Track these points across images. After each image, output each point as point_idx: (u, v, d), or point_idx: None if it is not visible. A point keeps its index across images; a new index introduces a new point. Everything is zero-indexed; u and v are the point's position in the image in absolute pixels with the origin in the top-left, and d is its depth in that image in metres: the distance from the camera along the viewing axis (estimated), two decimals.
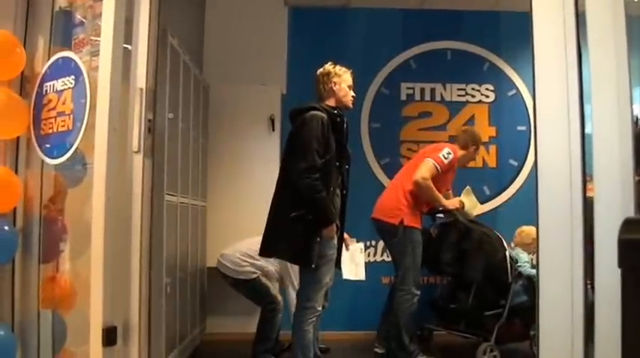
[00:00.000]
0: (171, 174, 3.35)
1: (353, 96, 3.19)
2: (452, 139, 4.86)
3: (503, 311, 3.84)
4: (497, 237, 3.99)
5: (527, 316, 3.95)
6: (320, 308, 3.06)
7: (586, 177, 2.14)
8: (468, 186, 4.24)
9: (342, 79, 3.14)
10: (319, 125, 2.94)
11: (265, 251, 3.09)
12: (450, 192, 4.23)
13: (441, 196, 3.97)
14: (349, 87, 3.17)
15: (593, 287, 2.04)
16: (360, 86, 4.66)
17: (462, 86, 4.99)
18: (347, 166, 3.16)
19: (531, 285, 3.95)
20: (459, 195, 4.20)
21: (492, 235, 4.00)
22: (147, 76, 2.34)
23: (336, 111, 3.06)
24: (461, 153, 4.13)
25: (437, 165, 3.92)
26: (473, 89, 5.00)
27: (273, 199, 3.06)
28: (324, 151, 2.94)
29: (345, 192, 3.16)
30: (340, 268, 3.28)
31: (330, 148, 2.97)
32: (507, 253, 3.91)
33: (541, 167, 2.14)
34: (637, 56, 2.18)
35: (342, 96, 3.14)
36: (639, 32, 2.15)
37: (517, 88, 5.03)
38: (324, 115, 2.98)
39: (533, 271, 3.92)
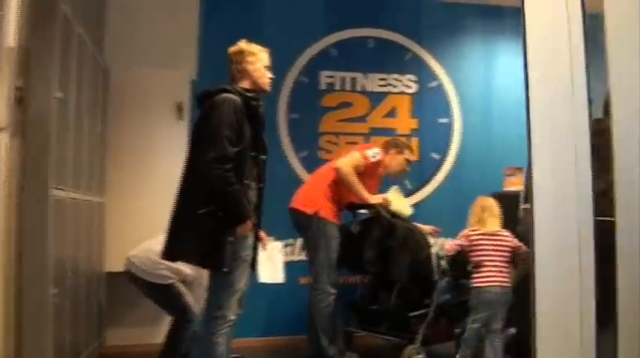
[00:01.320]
0: (60, 164, 2.89)
1: (270, 79, 2.86)
2: (373, 132, 4.68)
3: (428, 311, 3.64)
4: (422, 233, 3.80)
5: (452, 315, 3.79)
6: (233, 318, 2.71)
7: None
8: (395, 186, 4.02)
9: (257, 59, 2.80)
10: (231, 109, 2.58)
11: (168, 254, 2.69)
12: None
13: (363, 189, 3.73)
14: (266, 67, 2.83)
15: None
16: (277, 74, 4.33)
17: (384, 76, 4.77)
18: (263, 156, 2.83)
19: (455, 283, 3.79)
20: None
21: (417, 231, 3.79)
22: (18, 33, 1.90)
23: (250, 95, 2.72)
24: (386, 159, 3.95)
25: (361, 158, 3.70)
26: (395, 79, 4.79)
27: (178, 194, 2.67)
28: (237, 139, 2.59)
29: (261, 185, 2.82)
30: (256, 271, 2.95)
31: (244, 136, 2.62)
32: (433, 250, 3.71)
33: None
34: None
35: (257, 77, 2.79)
36: None
37: (439, 80, 4.88)
38: (237, 98, 2.63)
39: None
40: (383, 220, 3.76)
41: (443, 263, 3.74)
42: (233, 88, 2.69)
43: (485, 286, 3.47)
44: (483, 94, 4.95)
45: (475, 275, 3.50)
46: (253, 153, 2.70)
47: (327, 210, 3.68)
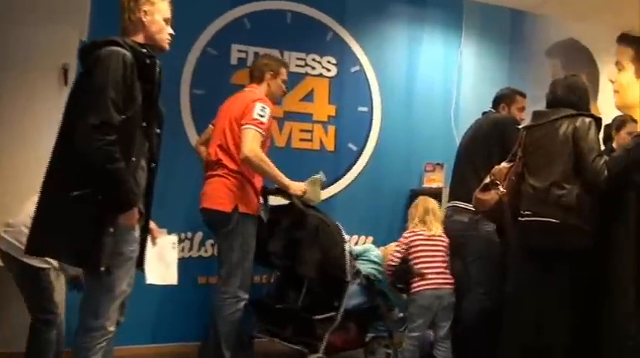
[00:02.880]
0: None
1: (171, 35, 2.33)
2: (288, 116, 4.24)
3: (336, 315, 3.24)
4: (336, 227, 3.38)
5: (363, 321, 3.45)
6: (113, 329, 2.17)
7: None
8: (318, 175, 3.58)
9: (155, 9, 2.26)
10: (120, 65, 2.04)
11: (31, 248, 2.12)
12: None
13: (279, 173, 3.23)
14: (166, 21, 2.30)
15: None
16: (183, 42, 3.78)
17: (302, 56, 4.32)
18: (158, 130, 2.30)
19: (372, 286, 3.43)
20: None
21: (332, 224, 3.37)
22: None
23: (145, 51, 2.18)
24: (264, 91, 3.39)
25: (260, 131, 3.13)
26: (314, 60, 4.36)
27: (47, 173, 2.12)
28: (126, 104, 2.05)
29: (153, 165, 2.29)
30: (143, 270, 2.41)
31: (135, 100, 2.09)
32: (347, 246, 3.33)
33: None
34: None
35: (154, 31, 2.26)
36: None
37: (361, 65, 4.50)
38: (128, 53, 2.09)
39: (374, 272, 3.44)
40: (295, 208, 3.31)
41: (373, 267, 3.42)
42: (124, 40, 2.14)
43: (422, 290, 3.30)
44: (406, 85, 4.63)
45: (412, 280, 3.33)
46: (145, 124, 2.16)
47: (245, 201, 3.18)
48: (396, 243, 3.49)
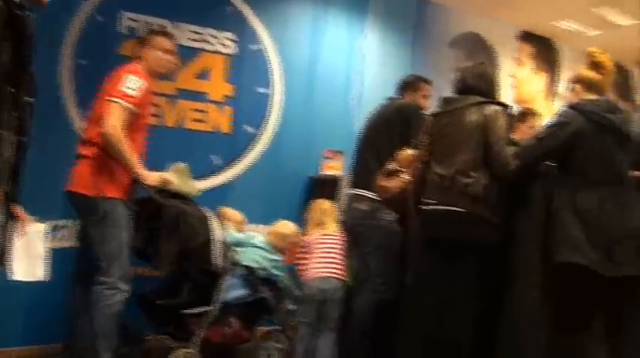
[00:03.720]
0: None
1: None
2: (181, 94, 3.91)
3: (211, 310, 3.03)
4: (200, 216, 3.10)
5: (246, 315, 3.23)
6: None
7: None
8: (181, 164, 3.22)
9: None
10: None
11: None
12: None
13: (136, 160, 2.87)
14: None
15: None
16: (66, 5, 3.40)
17: (198, 29, 3.99)
18: (29, 98, 1.94)
19: (255, 276, 3.21)
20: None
21: (194, 214, 3.08)
22: None
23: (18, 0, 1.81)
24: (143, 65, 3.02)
25: (127, 105, 2.78)
26: (211, 35, 4.05)
27: None
28: None
29: (23, 139, 1.92)
30: (6, 264, 2.05)
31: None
32: (216, 236, 3.08)
33: None
34: None
35: None
36: None
37: (261, 43, 4.25)
38: None
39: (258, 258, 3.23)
40: (153, 200, 2.99)
41: (259, 254, 3.20)
42: None
43: (309, 279, 3.23)
44: (309, 67, 4.45)
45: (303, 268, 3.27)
46: (13, 89, 1.81)
47: (111, 186, 2.85)
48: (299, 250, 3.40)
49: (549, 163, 2.67)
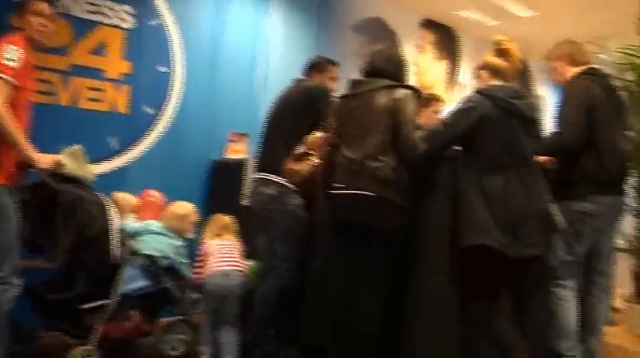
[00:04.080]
0: None
1: None
2: (75, 70, 3.63)
3: (108, 303, 2.86)
4: (98, 202, 2.91)
5: (149, 306, 3.13)
6: None
7: None
8: (75, 146, 2.96)
9: None
10: None
11: None
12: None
13: (24, 141, 2.61)
14: None
15: None
16: None
17: (95, 0, 3.73)
18: None
19: (156, 266, 3.06)
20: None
21: (91, 200, 2.87)
22: None
23: None
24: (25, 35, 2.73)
25: (6, 78, 2.52)
26: (108, 8, 3.78)
27: None
28: None
29: None
30: None
31: None
32: (113, 224, 2.90)
33: None
34: None
35: None
36: None
37: (162, 19, 4.04)
38: None
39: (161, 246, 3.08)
40: (47, 185, 2.75)
41: (161, 242, 3.03)
42: None
43: (212, 274, 3.13)
44: (212, 46, 4.30)
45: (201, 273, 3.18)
46: None
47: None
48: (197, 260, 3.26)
49: (456, 147, 2.71)
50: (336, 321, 2.69)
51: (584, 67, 3.13)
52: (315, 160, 3.03)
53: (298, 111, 3.27)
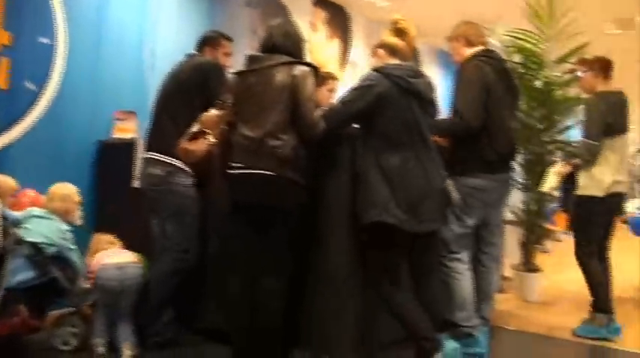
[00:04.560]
0: None
1: None
2: None
3: None
4: None
5: (37, 299, 2.89)
6: None
7: None
8: None
9: None
10: None
11: None
12: None
13: None
14: None
15: None
16: None
17: None
18: None
19: (42, 256, 2.83)
20: None
21: None
22: None
23: None
24: None
25: None
26: None
27: None
28: None
29: None
30: None
31: None
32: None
33: None
34: None
35: None
36: None
37: None
38: None
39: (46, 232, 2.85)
40: None
41: (47, 227, 2.82)
42: None
43: (106, 267, 2.97)
44: (98, 17, 4.04)
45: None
46: None
47: None
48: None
49: (355, 126, 2.70)
50: (239, 304, 2.63)
51: (478, 49, 3.22)
52: (211, 139, 2.92)
53: (188, 87, 3.14)
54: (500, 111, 3.11)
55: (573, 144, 3.68)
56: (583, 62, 3.83)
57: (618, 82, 3.72)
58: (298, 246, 2.69)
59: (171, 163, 3.03)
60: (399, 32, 2.73)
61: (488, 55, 3.17)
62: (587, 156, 3.56)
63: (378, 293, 2.62)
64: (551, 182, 3.84)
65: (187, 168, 3.05)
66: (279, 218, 2.60)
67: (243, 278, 2.63)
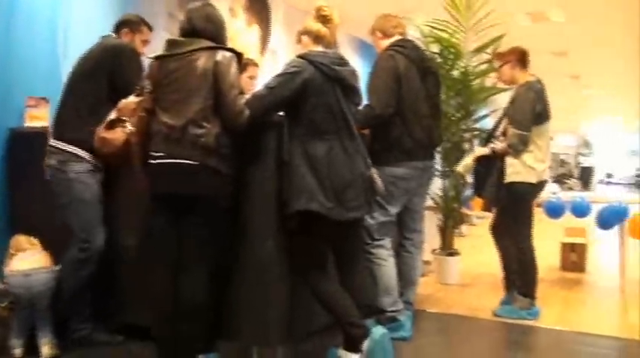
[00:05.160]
0: None
1: None
2: None
3: None
4: None
5: None
6: None
7: None
8: None
9: None
10: None
11: None
12: None
13: None
14: None
15: None
16: None
17: None
18: None
19: None
20: None
21: None
22: None
23: None
24: None
25: None
26: None
27: None
28: None
29: None
30: None
31: None
32: None
33: None
34: None
35: None
36: None
37: None
38: None
39: None
40: None
41: None
42: None
43: (9, 277, 2.86)
44: (8, 2, 3.73)
45: None
46: None
47: None
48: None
49: (280, 113, 2.66)
50: (162, 298, 2.54)
51: (393, 40, 3.28)
52: (129, 127, 2.80)
53: (95, 70, 3.00)
54: (415, 100, 3.18)
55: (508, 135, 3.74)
56: (499, 56, 3.94)
57: (531, 74, 3.85)
58: (225, 237, 2.62)
59: (64, 150, 2.92)
60: (323, 19, 2.70)
61: (401, 44, 3.24)
62: (521, 146, 3.63)
63: (305, 281, 2.61)
64: (465, 163, 3.95)
65: (83, 154, 2.94)
66: (202, 208, 2.52)
67: (167, 271, 2.55)
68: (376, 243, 3.19)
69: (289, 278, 2.65)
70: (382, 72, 3.13)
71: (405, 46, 3.24)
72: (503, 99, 4.05)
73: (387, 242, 3.25)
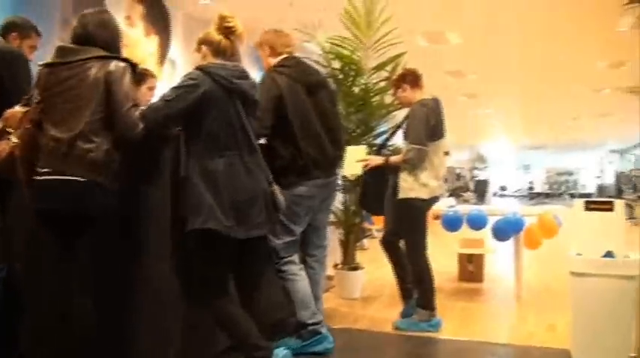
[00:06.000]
0: None
1: None
2: None
3: None
4: None
5: None
6: None
7: None
8: None
9: None
10: None
11: None
12: None
13: None
14: None
15: None
16: None
17: None
18: None
19: None
20: None
21: None
22: None
23: None
24: None
25: None
26: None
27: None
28: None
29: None
30: None
31: None
32: None
33: None
34: None
35: None
36: None
37: None
38: None
39: None
40: None
41: None
42: None
43: None
44: None
45: None
46: None
47: None
48: None
49: (178, 128, 2.56)
50: (47, 324, 2.36)
51: (280, 58, 3.21)
52: (14, 139, 2.59)
53: None
54: (304, 120, 3.12)
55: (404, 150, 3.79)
56: (394, 83, 4.02)
57: (428, 93, 3.97)
58: (116, 256, 2.47)
59: None
60: (227, 31, 2.62)
61: (284, 64, 3.17)
62: (417, 162, 3.68)
63: (204, 304, 2.51)
64: (355, 169, 3.95)
65: None
66: (91, 227, 2.37)
67: (53, 294, 2.36)
68: (285, 260, 3.14)
69: (187, 300, 2.54)
70: (263, 94, 2.94)
71: (288, 66, 3.16)
72: (402, 116, 4.13)
73: (296, 257, 3.21)
